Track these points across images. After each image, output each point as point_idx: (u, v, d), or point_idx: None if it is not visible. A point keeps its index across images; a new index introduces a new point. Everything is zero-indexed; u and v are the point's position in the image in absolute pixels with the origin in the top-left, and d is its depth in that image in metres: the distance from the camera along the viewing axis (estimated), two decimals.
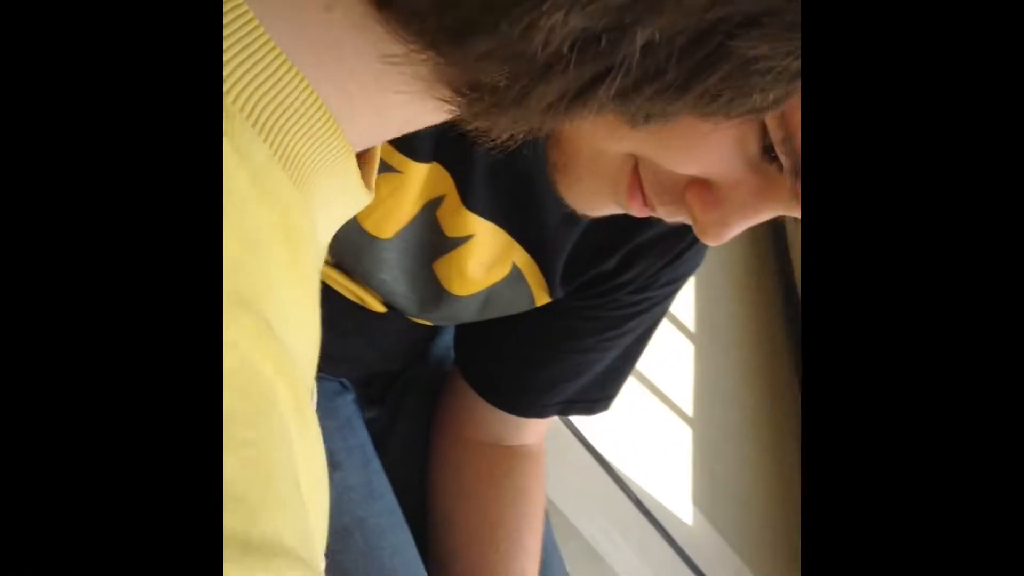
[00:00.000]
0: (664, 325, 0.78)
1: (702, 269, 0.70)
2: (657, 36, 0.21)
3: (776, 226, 1.85)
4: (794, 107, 0.39)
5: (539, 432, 0.76)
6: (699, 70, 0.22)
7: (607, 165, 0.47)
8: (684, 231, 0.63)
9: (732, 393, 1.65)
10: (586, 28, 0.20)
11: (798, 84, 0.23)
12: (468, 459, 0.73)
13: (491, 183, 0.57)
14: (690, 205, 0.44)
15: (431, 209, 0.59)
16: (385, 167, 0.53)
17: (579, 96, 0.23)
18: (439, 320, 0.68)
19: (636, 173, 0.46)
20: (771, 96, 0.23)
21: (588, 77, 0.22)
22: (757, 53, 0.21)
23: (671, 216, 0.47)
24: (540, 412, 0.71)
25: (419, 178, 0.55)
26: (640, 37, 0.20)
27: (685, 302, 1.62)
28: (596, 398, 0.71)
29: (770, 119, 0.41)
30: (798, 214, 0.43)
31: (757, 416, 1.65)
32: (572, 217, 0.60)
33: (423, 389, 0.79)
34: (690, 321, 1.62)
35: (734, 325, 1.76)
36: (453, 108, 0.25)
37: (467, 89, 0.23)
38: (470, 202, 0.58)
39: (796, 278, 1.75)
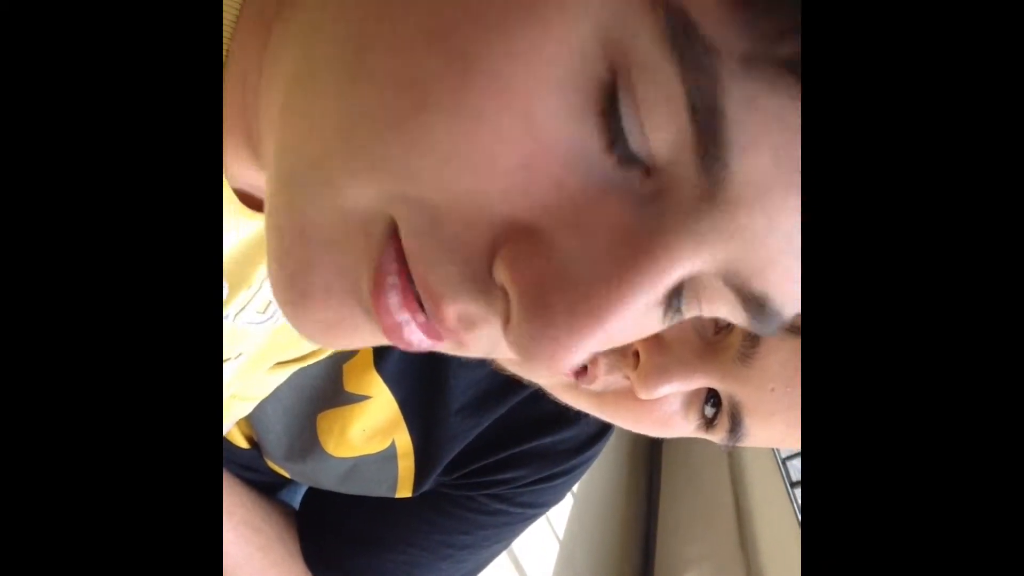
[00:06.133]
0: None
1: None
2: None
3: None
4: None
5: None
6: None
7: None
8: (568, 455, 0.64)
9: None
10: None
11: None
12: None
13: (407, 353, 0.58)
14: (639, 345, 0.43)
15: (340, 359, 0.59)
16: None
17: None
18: (297, 476, 0.66)
19: None
20: None
21: None
22: None
23: (611, 370, 0.46)
24: None
25: None
26: None
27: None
28: None
29: None
30: (734, 388, 0.42)
31: None
32: (475, 409, 0.60)
33: None
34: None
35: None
36: None
37: None
38: (381, 364, 0.58)
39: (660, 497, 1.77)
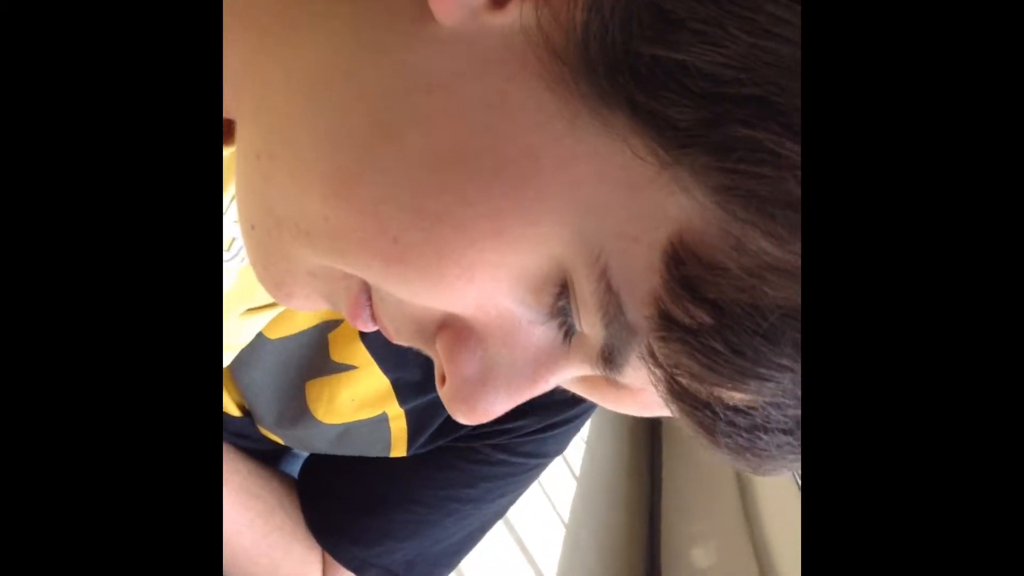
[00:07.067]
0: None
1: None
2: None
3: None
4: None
5: None
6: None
7: None
8: (568, 404, 0.64)
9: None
10: None
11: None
12: None
13: None
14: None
15: (325, 329, 0.58)
16: None
17: None
18: (290, 441, 0.65)
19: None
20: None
21: None
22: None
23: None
24: (359, 567, 0.65)
25: None
26: None
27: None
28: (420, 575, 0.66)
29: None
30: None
31: None
32: None
33: None
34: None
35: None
36: None
37: None
38: (366, 335, 0.58)
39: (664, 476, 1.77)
